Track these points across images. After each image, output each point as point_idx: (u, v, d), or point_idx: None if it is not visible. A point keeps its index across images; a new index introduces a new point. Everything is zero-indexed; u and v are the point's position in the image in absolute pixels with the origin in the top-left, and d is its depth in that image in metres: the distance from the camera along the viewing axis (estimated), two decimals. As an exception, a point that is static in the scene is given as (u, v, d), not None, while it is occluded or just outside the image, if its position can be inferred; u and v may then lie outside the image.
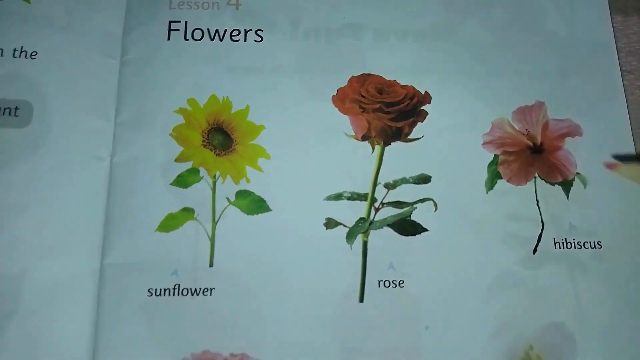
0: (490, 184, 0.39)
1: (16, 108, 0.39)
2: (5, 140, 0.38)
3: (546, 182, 0.40)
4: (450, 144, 0.40)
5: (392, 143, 0.40)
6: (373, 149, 0.40)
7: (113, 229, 0.37)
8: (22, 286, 0.36)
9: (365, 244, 0.38)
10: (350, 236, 0.38)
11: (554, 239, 0.39)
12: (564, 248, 0.39)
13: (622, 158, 0.40)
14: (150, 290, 0.37)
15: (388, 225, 0.38)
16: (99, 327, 0.36)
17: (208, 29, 0.42)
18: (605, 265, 0.38)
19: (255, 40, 0.42)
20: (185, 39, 0.41)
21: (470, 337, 0.37)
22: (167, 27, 0.42)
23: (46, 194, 0.37)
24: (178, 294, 0.37)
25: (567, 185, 0.40)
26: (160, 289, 0.37)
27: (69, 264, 0.36)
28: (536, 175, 0.40)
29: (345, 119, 0.40)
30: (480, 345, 0.36)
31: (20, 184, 0.37)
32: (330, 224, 0.38)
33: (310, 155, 0.39)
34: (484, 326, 0.37)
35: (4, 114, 0.38)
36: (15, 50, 0.40)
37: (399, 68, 0.41)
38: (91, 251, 0.37)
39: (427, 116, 0.41)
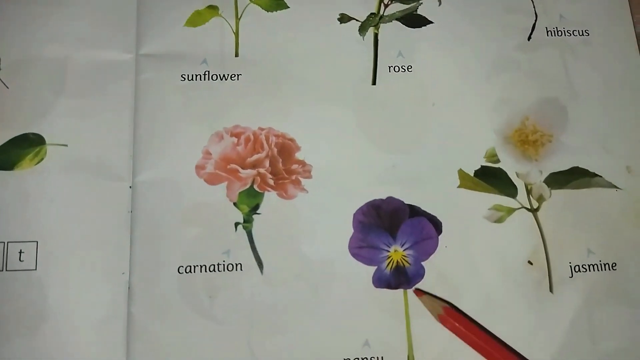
0: (488, -20, 0.43)
1: None
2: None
3: (538, -21, 0.44)
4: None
5: (397, -54, 0.43)
6: (381, -49, 0.43)
7: (145, 23, 0.41)
8: (66, 69, 0.39)
9: (376, 35, 0.42)
10: (363, 29, 0.42)
11: (546, 27, 0.43)
12: (555, 35, 0.43)
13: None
14: (183, 75, 0.40)
15: (397, 19, 0.42)
16: (137, 110, 0.39)
17: None
18: (593, 50, 0.42)
19: None
20: None
21: (472, 111, 0.41)
22: None
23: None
24: (208, 79, 0.40)
25: (556, -18, 0.44)
26: (193, 75, 0.40)
27: (108, 54, 0.40)
28: (529, -27, 0.44)
29: None
30: (481, 117, 0.41)
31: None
32: (344, 18, 0.42)
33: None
34: (486, 102, 0.41)
35: None
36: None
37: None
38: (127, 44, 0.40)
39: None
